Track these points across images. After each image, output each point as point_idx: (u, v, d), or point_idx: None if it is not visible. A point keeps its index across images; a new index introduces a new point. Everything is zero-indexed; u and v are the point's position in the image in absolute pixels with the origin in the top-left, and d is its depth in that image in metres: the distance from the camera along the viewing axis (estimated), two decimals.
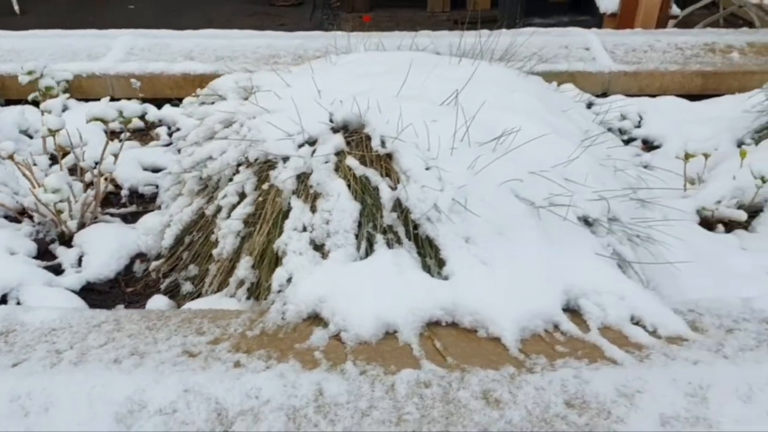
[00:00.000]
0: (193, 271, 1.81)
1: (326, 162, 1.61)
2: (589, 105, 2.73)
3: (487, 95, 1.77)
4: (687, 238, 1.88)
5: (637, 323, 1.35)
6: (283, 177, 1.60)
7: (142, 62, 2.77)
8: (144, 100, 2.78)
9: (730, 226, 2.05)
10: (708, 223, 2.05)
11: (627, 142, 2.56)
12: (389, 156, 1.61)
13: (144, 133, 2.64)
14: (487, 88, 1.82)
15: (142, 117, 2.74)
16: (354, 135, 1.69)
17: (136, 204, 2.21)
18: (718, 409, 1.13)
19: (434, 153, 1.57)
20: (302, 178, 1.62)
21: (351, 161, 1.61)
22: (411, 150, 1.58)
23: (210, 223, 1.80)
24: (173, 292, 1.84)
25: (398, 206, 1.55)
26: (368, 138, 1.65)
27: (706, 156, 2.23)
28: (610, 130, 2.57)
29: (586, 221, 1.56)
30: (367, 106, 1.68)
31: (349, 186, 1.59)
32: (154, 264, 1.87)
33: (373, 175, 1.59)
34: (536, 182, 1.56)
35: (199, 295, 1.79)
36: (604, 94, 2.79)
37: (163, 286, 1.84)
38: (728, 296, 1.44)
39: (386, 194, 1.54)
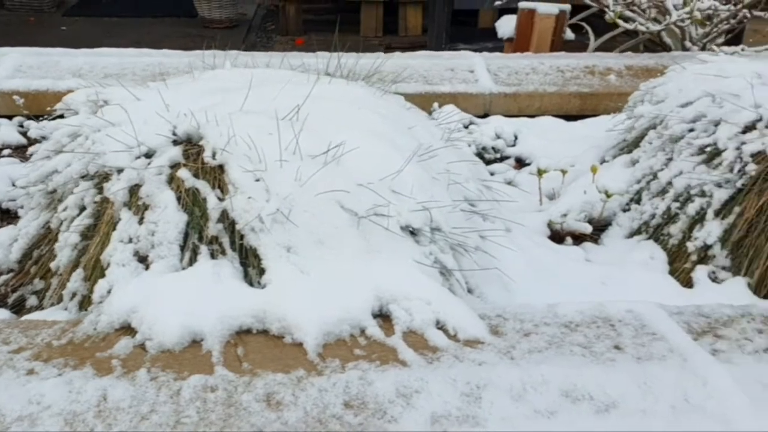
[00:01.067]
0: (39, 285, 1.80)
1: (159, 174, 1.63)
2: (469, 125, 2.81)
3: (332, 111, 1.81)
4: (530, 249, 1.94)
5: (440, 327, 1.39)
6: (115, 189, 1.61)
7: (28, 80, 2.77)
8: (29, 117, 2.77)
9: (581, 238, 2.12)
10: (558, 236, 2.11)
11: (501, 160, 2.63)
12: (221, 168, 1.64)
13: (25, 149, 2.62)
14: (334, 104, 1.86)
15: (24, 133, 2.74)
16: (194, 147, 1.72)
17: (2, 220, 2.20)
18: (489, 407, 1.17)
19: (264, 165, 1.60)
20: (134, 189, 1.64)
21: (183, 173, 1.62)
22: (241, 162, 1.61)
23: (55, 236, 1.80)
24: (19, 307, 1.82)
25: (225, 217, 1.57)
26: (204, 150, 1.68)
27: (564, 172, 2.30)
28: (484, 149, 2.64)
29: (412, 231, 1.60)
30: (206, 119, 1.70)
31: (179, 198, 1.60)
32: (1, 278, 1.86)
33: (203, 187, 1.61)
34: (363, 194, 1.59)
35: (41, 309, 1.78)
36: (486, 115, 2.87)
37: (10, 301, 1.83)
38: (537, 302, 1.49)
39: (212, 205, 1.56)
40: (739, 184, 1.79)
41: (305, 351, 1.31)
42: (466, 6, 5.86)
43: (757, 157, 1.79)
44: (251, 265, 1.53)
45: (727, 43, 4.10)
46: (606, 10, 3.27)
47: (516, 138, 2.69)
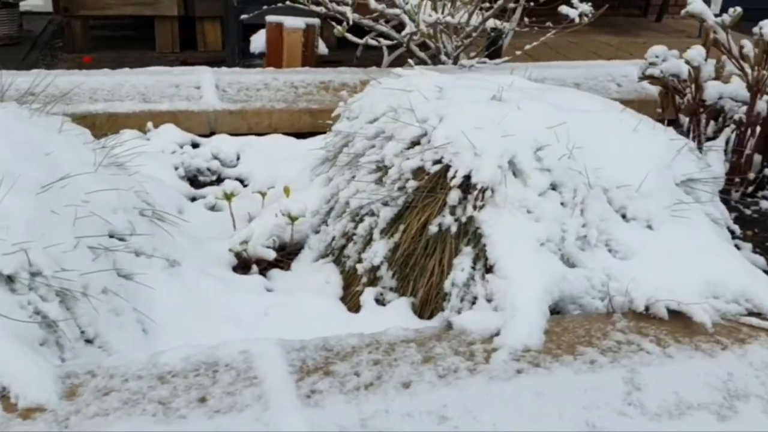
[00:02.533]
0: None
1: None
2: (195, 145, 2.61)
3: None
4: (196, 282, 1.76)
5: (3, 395, 1.17)
6: None
7: None
8: None
9: (271, 265, 1.97)
10: (247, 263, 1.96)
11: (219, 181, 2.45)
12: None
13: None
14: None
15: None
16: None
17: None
18: None
19: None
20: None
21: None
22: None
23: None
24: None
25: None
26: None
27: (263, 194, 2.16)
28: (199, 171, 2.45)
29: (9, 277, 1.37)
30: None
31: None
32: None
33: None
34: None
35: None
36: (213, 133, 2.68)
37: None
38: (142, 353, 1.31)
39: None
40: (400, 201, 1.71)
41: None
42: (253, 21, 5.69)
43: (417, 173, 1.72)
44: None
45: (490, 56, 4.19)
46: (334, 24, 3.18)
47: (239, 158, 2.53)
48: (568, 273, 1.59)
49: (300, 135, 2.73)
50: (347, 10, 3.15)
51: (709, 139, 2.45)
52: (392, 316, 1.63)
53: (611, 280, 1.57)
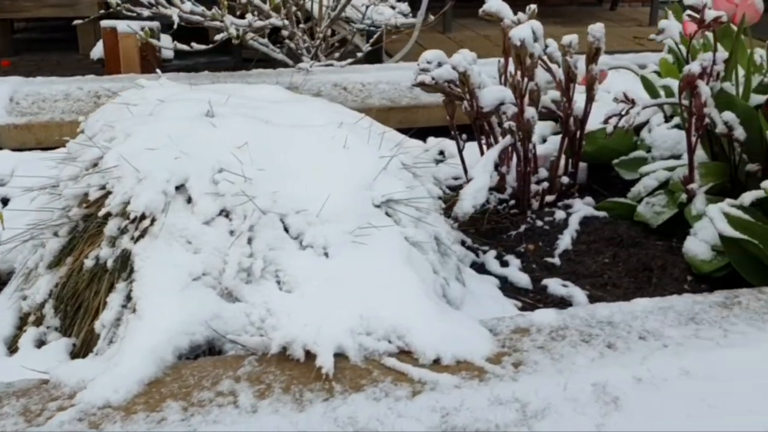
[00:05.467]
0: None
1: None
2: None
3: None
4: None
5: None
6: None
7: None
8: None
9: None
10: None
11: None
12: None
13: None
14: None
15: None
16: None
17: None
18: None
19: None
20: None
21: None
22: None
23: None
24: None
25: None
26: None
27: None
28: None
29: None
30: None
31: None
32: None
33: None
34: None
35: None
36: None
37: None
38: None
39: None
40: (64, 231, 1.56)
41: None
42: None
43: (82, 199, 1.57)
44: None
45: (373, 54, 4.04)
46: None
47: (12, 175, 2.37)
48: (226, 309, 1.43)
49: None
50: (174, 13, 2.97)
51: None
52: (45, 360, 1.48)
53: (271, 316, 1.42)
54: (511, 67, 2.19)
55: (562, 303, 1.90)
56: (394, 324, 1.35)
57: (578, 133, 2.31)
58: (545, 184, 2.32)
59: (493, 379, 1.24)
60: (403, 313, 1.37)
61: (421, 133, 2.94)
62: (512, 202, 2.36)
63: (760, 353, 1.29)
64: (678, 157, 2.31)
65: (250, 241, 1.48)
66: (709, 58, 1.81)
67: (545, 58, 2.31)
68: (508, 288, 1.98)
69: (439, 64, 2.13)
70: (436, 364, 1.29)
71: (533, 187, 2.35)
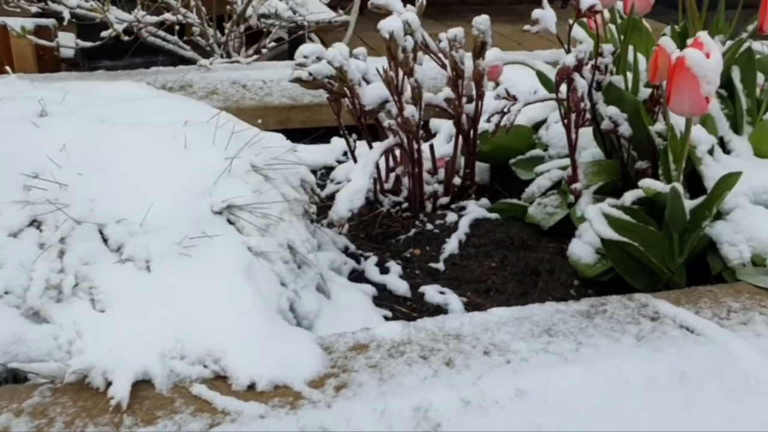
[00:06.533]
0: None
1: None
2: None
3: None
4: None
5: None
6: None
7: None
8: None
9: None
10: None
11: None
12: None
13: None
14: None
15: None
16: None
17: None
18: None
19: None
20: None
21: None
22: None
23: None
24: None
25: None
26: None
27: None
28: None
29: None
30: None
31: None
32: None
33: None
34: None
35: None
36: None
37: None
38: None
39: None
40: None
41: None
42: None
43: None
44: None
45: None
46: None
47: None
48: (31, 331, 1.27)
49: None
50: (65, 10, 2.79)
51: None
52: None
53: (80, 338, 1.26)
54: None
55: (438, 311, 1.78)
56: (210, 346, 1.21)
57: (471, 132, 2.19)
58: (436, 186, 2.20)
59: (305, 406, 1.11)
60: (224, 333, 1.23)
61: (331, 133, 2.81)
62: (406, 204, 2.24)
63: (604, 370, 1.18)
64: None
65: (62, 254, 1.33)
66: (584, 50, 1.70)
67: (441, 54, 2.20)
68: (385, 296, 1.85)
69: (318, 59, 2.00)
70: (251, 390, 1.16)
71: (428, 189, 2.23)
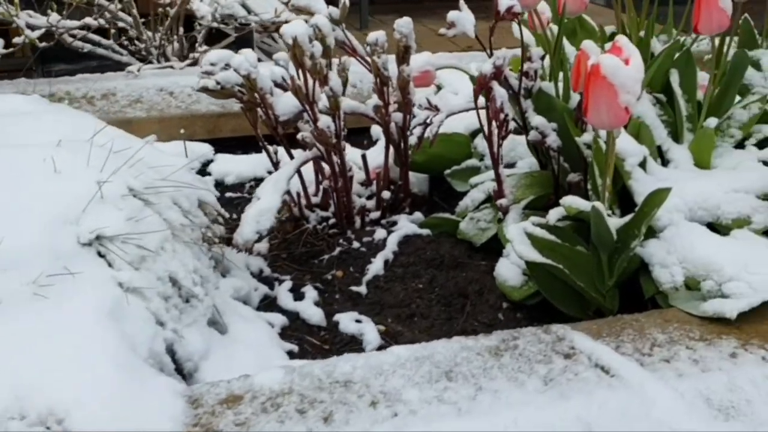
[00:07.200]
0: None
1: None
2: None
3: None
4: None
5: None
6: None
7: None
8: None
9: None
10: None
11: None
12: None
13: None
14: None
15: None
16: None
17: None
18: None
19: None
20: None
21: None
22: None
23: None
24: None
25: None
26: None
27: None
28: None
29: None
30: None
31: None
32: None
33: None
34: None
35: None
36: None
37: None
38: None
39: None
40: None
41: None
42: None
43: None
44: None
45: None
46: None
47: None
48: None
49: None
50: None
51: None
52: None
53: None
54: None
55: (352, 342, 1.64)
56: (52, 405, 1.06)
57: (401, 142, 2.04)
58: (364, 200, 2.05)
59: None
60: (70, 390, 1.08)
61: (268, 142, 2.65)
62: (333, 220, 2.09)
63: (501, 423, 1.03)
64: (512, 165, 2.07)
65: None
66: (503, 56, 1.56)
67: (369, 59, 2.05)
68: (297, 326, 1.70)
69: (227, 66, 1.84)
70: None
71: (360, 202, 2.08)
